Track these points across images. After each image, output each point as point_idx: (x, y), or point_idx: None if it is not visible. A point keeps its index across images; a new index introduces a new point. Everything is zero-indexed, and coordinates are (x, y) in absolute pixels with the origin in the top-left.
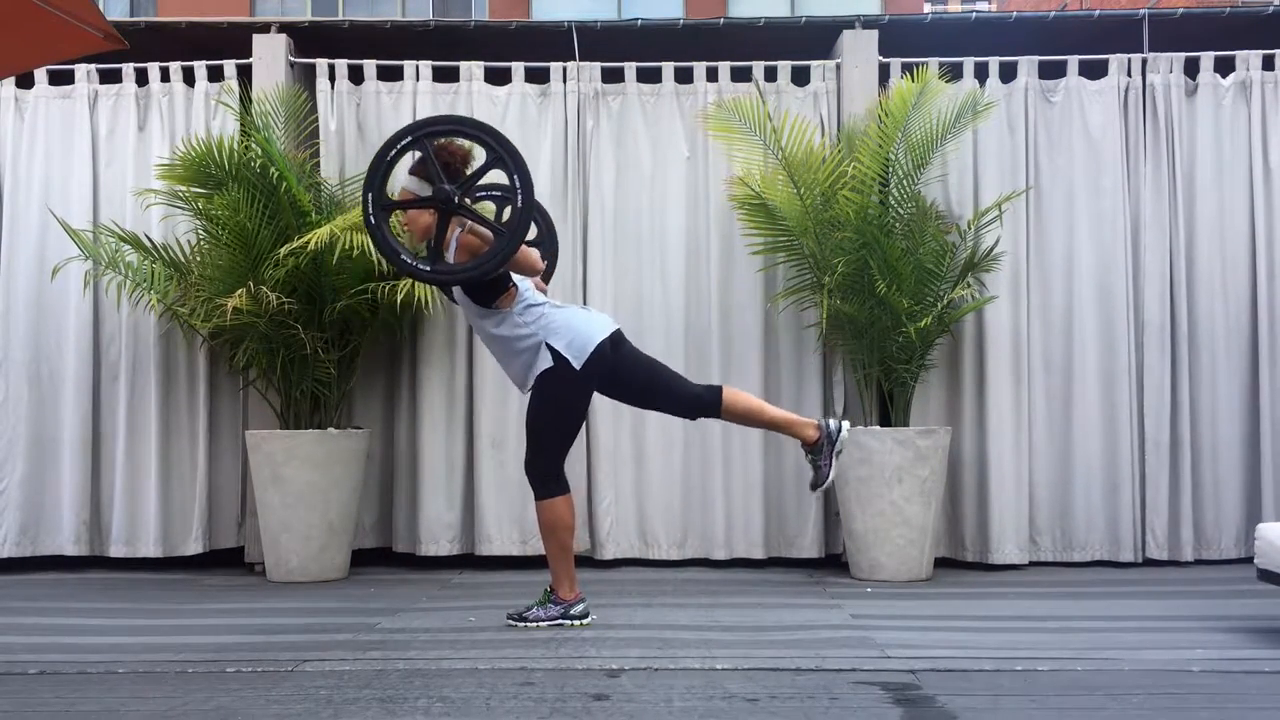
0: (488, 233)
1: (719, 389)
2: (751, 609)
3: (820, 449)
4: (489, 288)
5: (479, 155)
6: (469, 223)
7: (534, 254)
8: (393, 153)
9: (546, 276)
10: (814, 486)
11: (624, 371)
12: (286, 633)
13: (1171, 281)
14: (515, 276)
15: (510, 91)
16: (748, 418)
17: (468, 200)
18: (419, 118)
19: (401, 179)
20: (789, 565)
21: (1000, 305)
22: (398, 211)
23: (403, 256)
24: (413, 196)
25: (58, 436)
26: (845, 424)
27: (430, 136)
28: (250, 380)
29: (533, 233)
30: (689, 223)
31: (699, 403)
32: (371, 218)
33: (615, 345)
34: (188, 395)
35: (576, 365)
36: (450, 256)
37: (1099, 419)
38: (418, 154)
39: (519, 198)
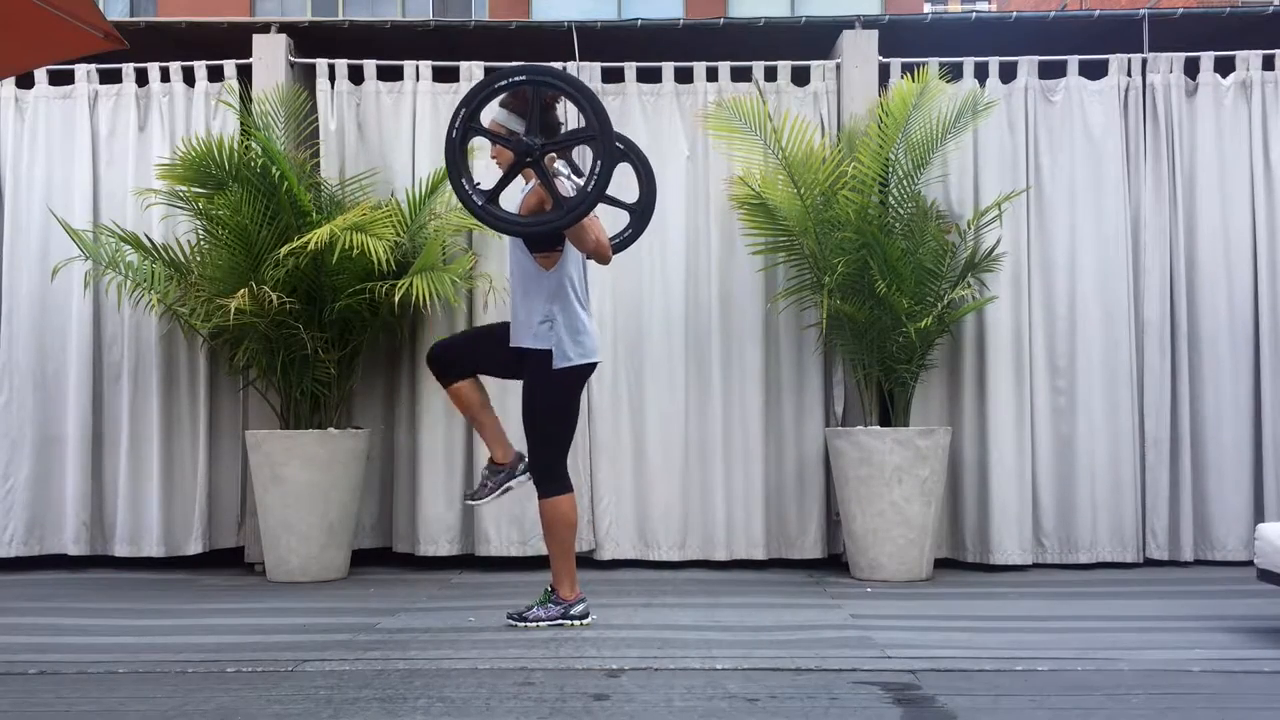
0: (551, 200)
1: (470, 376)
2: (752, 609)
3: (499, 472)
4: (543, 241)
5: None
6: (538, 183)
7: (603, 242)
8: (504, 83)
9: (621, 248)
10: (467, 497)
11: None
12: (286, 633)
13: (1172, 281)
14: (568, 249)
15: None
16: (467, 407)
17: (545, 163)
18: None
19: (496, 113)
20: (789, 566)
21: (1001, 305)
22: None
23: (463, 181)
24: (500, 130)
25: (61, 436)
26: (525, 476)
27: (545, 87)
28: (250, 380)
29: (633, 196)
30: (689, 222)
31: (439, 366)
32: (455, 132)
33: (582, 378)
34: (189, 395)
35: (555, 364)
36: (516, 206)
37: (1100, 419)
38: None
39: (593, 182)
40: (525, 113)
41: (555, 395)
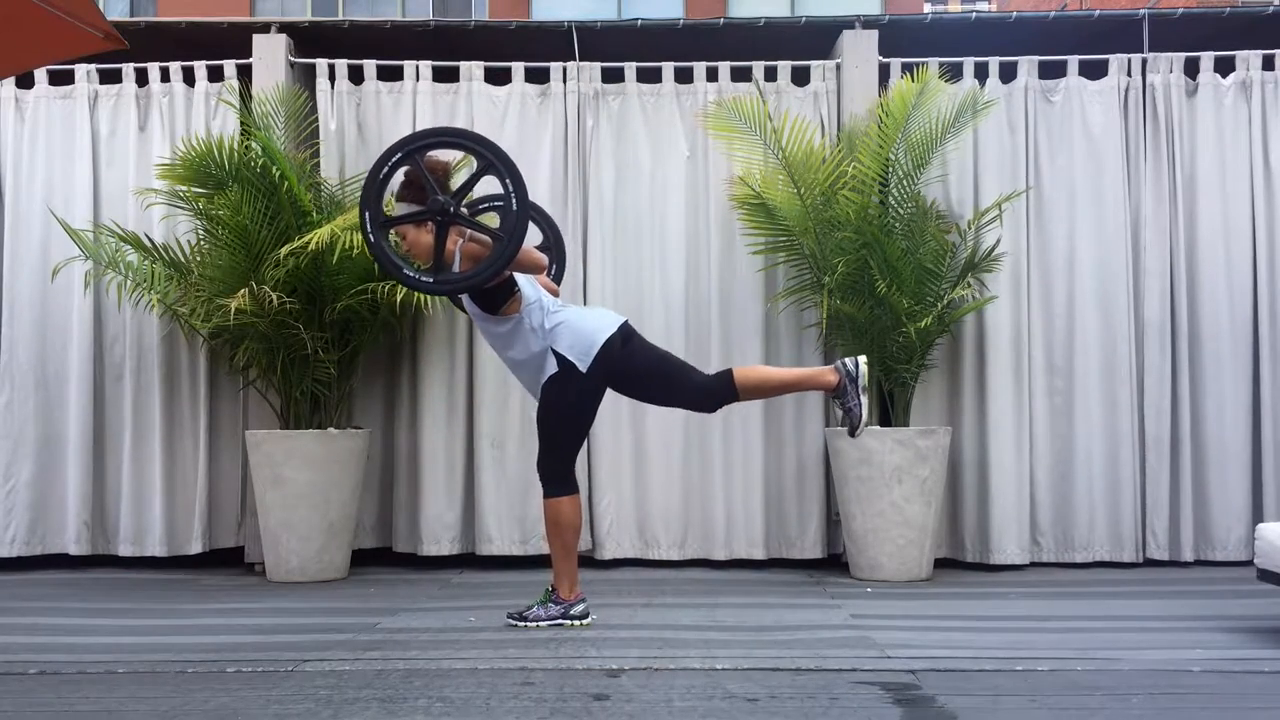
0: (488, 239)
1: (728, 374)
2: (752, 609)
3: (845, 391)
4: (495, 294)
5: (461, 175)
6: (469, 231)
7: (535, 252)
8: (385, 169)
9: (557, 279)
10: (852, 431)
11: (634, 366)
12: (286, 633)
13: (1172, 281)
14: (523, 283)
15: (510, 91)
16: (765, 389)
17: (463, 210)
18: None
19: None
20: (789, 565)
21: (1000, 305)
22: (397, 237)
23: (405, 271)
24: (406, 214)
25: (62, 436)
26: (861, 359)
27: (420, 151)
28: (250, 380)
29: (539, 238)
30: (689, 222)
31: (712, 393)
32: (371, 236)
33: (625, 340)
34: (189, 395)
35: (582, 368)
36: (456, 267)
37: (1099, 419)
38: (405, 171)
39: (513, 200)
40: (413, 195)
41: (583, 399)
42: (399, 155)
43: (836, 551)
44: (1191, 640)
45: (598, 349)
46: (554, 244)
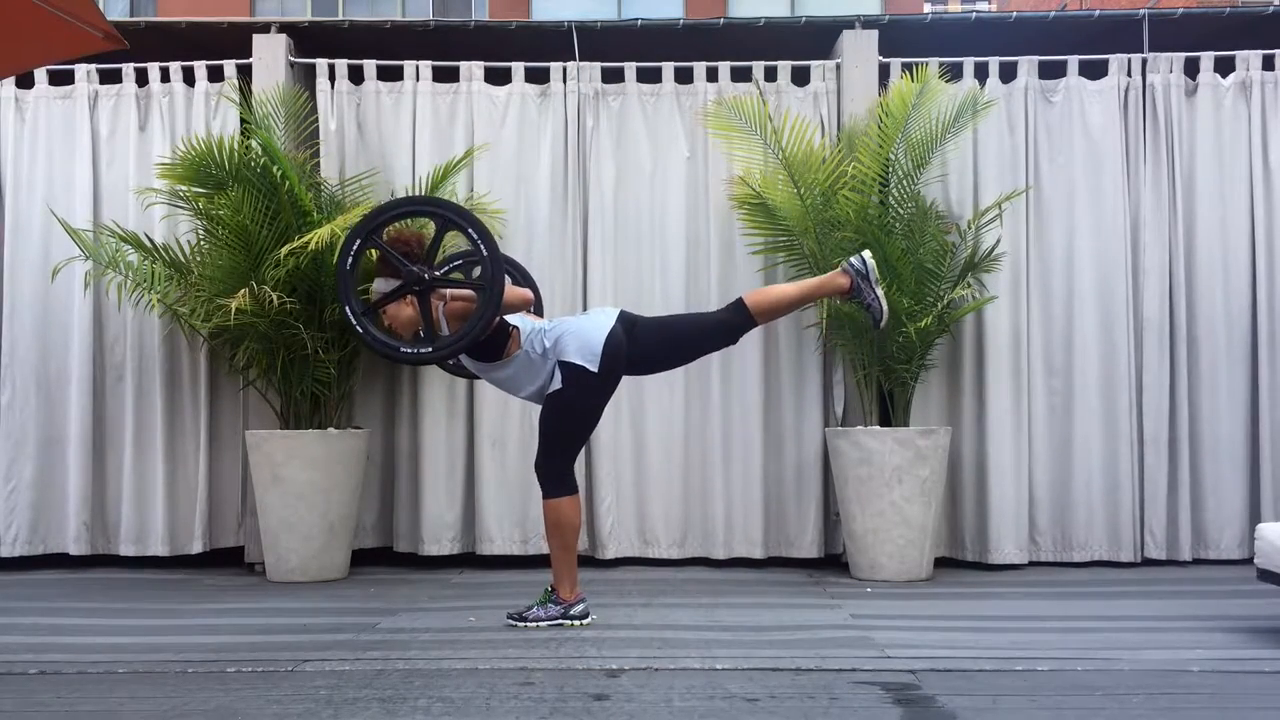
0: (470, 293)
1: (740, 303)
2: (751, 609)
3: (859, 289)
4: (493, 342)
5: (432, 229)
6: (449, 292)
7: (516, 289)
8: (349, 260)
9: (537, 310)
10: (876, 324)
11: (646, 347)
12: (286, 633)
13: (1171, 281)
14: (515, 320)
15: (510, 91)
16: (780, 308)
17: (437, 275)
18: (415, 131)
19: (375, 285)
20: (789, 565)
21: (1000, 305)
22: (380, 313)
23: (403, 350)
24: (384, 294)
25: (63, 437)
26: (866, 254)
27: (377, 231)
28: (250, 380)
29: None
30: (689, 222)
31: (731, 328)
32: (358, 327)
33: (628, 327)
34: (189, 395)
35: (592, 368)
36: (445, 330)
37: (1098, 418)
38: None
39: (483, 248)
40: (389, 270)
41: (593, 401)
42: (358, 242)
43: (835, 551)
44: (1191, 640)
45: (602, 345)
46: (523, 282)
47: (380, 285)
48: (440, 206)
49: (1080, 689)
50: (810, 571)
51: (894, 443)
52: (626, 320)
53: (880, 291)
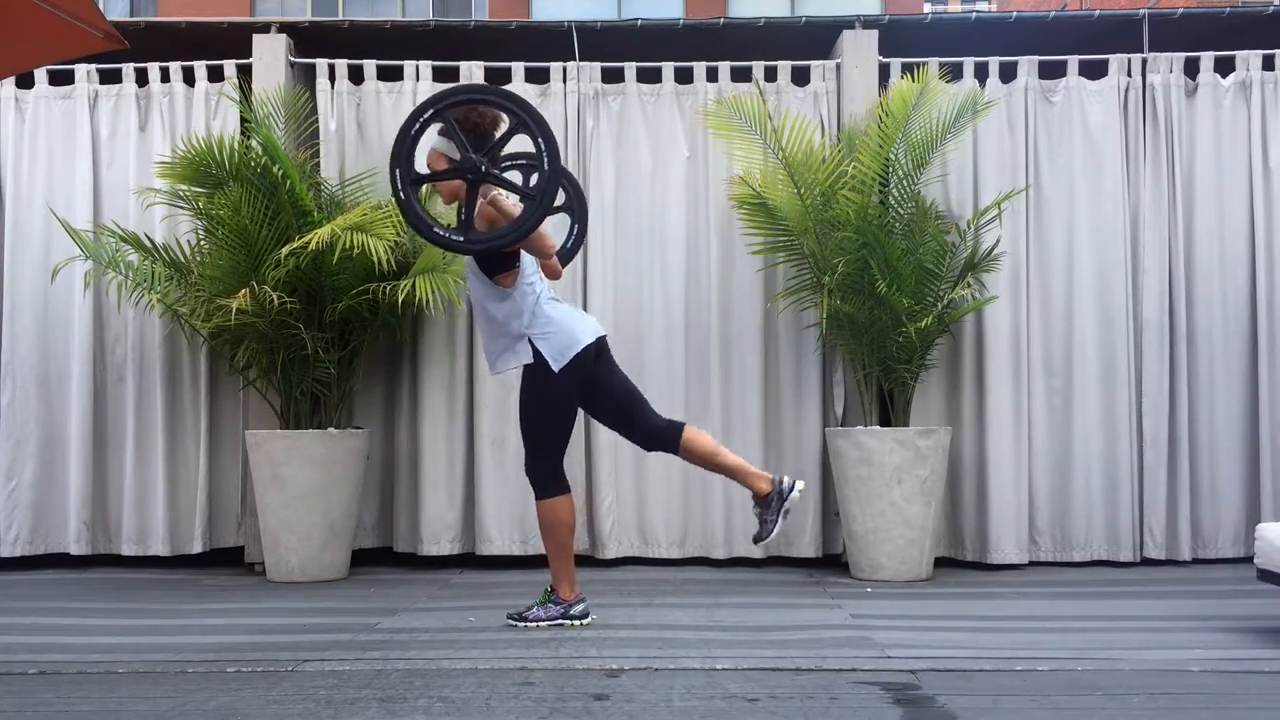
0: (506, 203)
1: (681, 426)
2: (751, 609)
3: (770, 504)
4: (498, 260)
5: (506, 121)
6: (491, 193)
7: (548, 239)
8: (416, 127)
9: (573, 251)
10: (755, 539)
11: (601, 384)
12: (286, 633)
13: (1171, 281)
14: (526, 260)
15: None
16: (703, 460)
17: (494, 171)
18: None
19: (435, 142)
20: (788, 565)
21: (1000, 305)
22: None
23: (435, 229)
24: (442, 159)
25: (64, 436)
26: (800, 484)
27: (452, 108)
28: (250, 380)
29: (561, 198)
30: (689, 222)
31: (659, 437)
32: (401, 193)
33: (599, 353)
34: (190, 395)
35: (554, 367)
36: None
37: (1098, 418)
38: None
39: (545, 161)
40: (456, 144)
41: (557, 396)
42: (430, 112)
43: (835, 551)
44: (1191, 640)
45: (573, 353)
46: (576, 204)
47: (441, 145)
48: (519, 107)
49: (1080, 689)
50: (810, 571)
51: (894, 443)
52: (601, 346)
53: (781, 523)
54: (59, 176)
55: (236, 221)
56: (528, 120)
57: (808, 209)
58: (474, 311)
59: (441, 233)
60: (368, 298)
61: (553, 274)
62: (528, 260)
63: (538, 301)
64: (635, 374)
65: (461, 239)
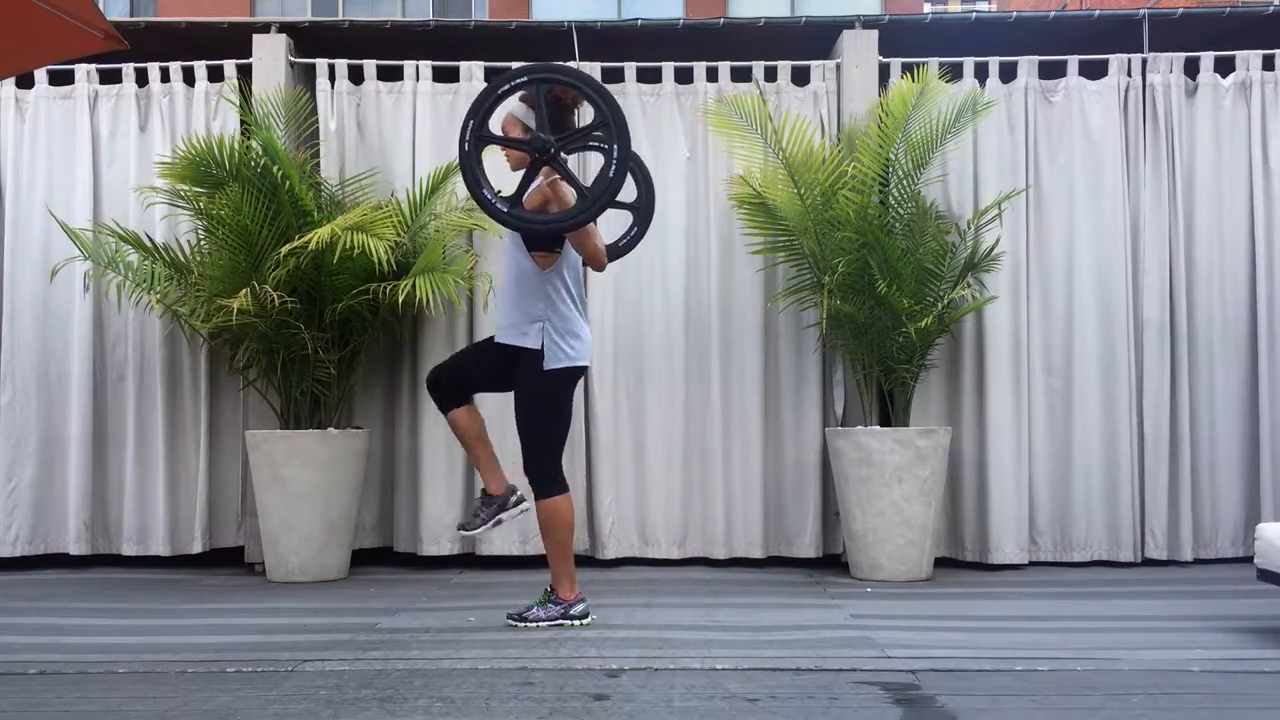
0: (565, 190)
1: (468, 405)
2: (751, 609)
3: (489, 504)
4: (541, 237)
5: (584, 107)
6: (553, 176)
7: (591, 240)
8: (505, 88)
9: (625, 250)
10: (460, 527)
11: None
12: (286, 633)
13: (1171, 281)
14: (569, 251)
15: None
16: (463, 435)
17: (563, 155)
18: (415, 130)
19: (514, 107)
20: (788, 565)
21: (1000, 305)
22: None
23: (484, 191)
24: (518, 126)
25: (64, 436)
26: (525, 505)
27: (546, 84)
28: (250, 380)
29: (632, 194)
30: (689, 222)
31: (444, 398)
32: (466, 144)
33: (575, 379)
34: (190, 395)
35: (545, 366)
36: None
37: (1098, 419)
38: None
39: (612, 168)
40: (537, 117)
41: (548, 395)
42: (524, 79)
43: (835, 551)
44: (1191, 640)
45: (568, 364)
46: (643, 207)
47: (520, 112)
48: (608, 105)
49: (1080, 689)
50: (810, 571)
51: (894, 443)
52: (581, 376)
53: (489, 527)
54: (59, 176)
55: (237, 221)
56: (610, 121)
57: (808, 209)
58: (506, 274)
59: (489, 196)
60: (368, 298)
61: (596, 264)
62: (573, 255)
63: (562, 297)
64: (635, 374)
65: (505, 210)
